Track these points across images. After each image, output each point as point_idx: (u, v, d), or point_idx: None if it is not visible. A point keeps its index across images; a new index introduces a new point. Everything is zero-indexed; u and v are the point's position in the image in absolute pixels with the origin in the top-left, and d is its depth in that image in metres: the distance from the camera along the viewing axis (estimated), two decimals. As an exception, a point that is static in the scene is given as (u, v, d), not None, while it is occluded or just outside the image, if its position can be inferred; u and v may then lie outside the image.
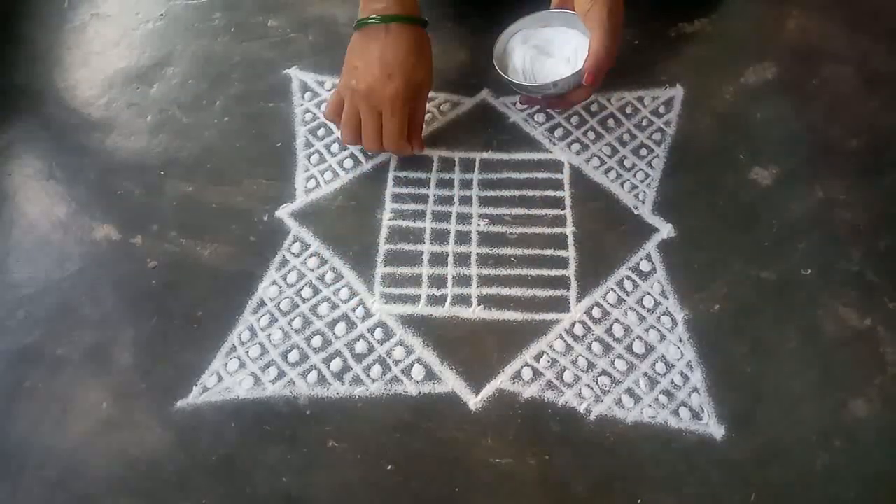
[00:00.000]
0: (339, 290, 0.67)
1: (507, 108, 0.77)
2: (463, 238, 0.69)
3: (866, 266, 0.66)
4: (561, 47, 0.69)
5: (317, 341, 0.64)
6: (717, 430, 0.58)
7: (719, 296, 0.65)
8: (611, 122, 0.76)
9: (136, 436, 0.60)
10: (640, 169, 0.73)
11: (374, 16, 0.65)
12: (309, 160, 0.75)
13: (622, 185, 0.72)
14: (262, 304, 0.66)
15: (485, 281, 0.66)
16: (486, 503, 0.56)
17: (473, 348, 0.63)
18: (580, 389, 0.61)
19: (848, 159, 0.73)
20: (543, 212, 0.70)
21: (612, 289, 0.66)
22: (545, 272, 0.67)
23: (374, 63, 0.64)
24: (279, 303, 0.66)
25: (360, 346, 0.63)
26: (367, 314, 0.65)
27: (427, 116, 0.77)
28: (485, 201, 0.71)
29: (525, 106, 0.76)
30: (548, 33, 0.70)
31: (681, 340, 0.63)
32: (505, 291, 0.66)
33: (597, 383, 0.61)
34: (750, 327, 0.63)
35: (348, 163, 0.74)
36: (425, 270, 0.67)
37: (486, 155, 0.74)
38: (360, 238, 0.69)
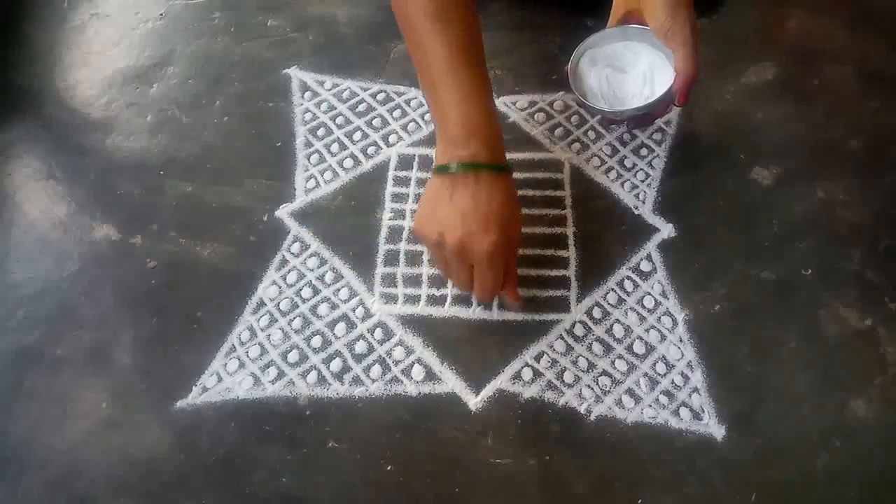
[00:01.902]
0: (338, 290, 0.67)
1: (507, 107, 0.77)
2: (463, 238, 0.69)
3: (866, 266, 0.66)
4: (633, 63, 0.69)
5: (317, 341, 0.64)
6: (717, 431, 0.58)
7: (719, 296, 0.65)
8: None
9: (136, 436, 0.60)
10: (641, 169, 0.73)
11: (462, 163, 0.57)
12: (309, 160, 0.75)
13: (622, 184, 0.72)
14: (261, 304, 0.66)
15: (485, 281, 0.66)
16: (485, 503, 0.56)
17: (473, 348, 0.63)
18: (580, 390, 0.61)
19: (848, 159, 0.73)
20: (544, 212, 0.70)
21: (612, 289, 0.66)
22: (545, 272, 0.67)
23: (467, 216, 0.56)
24: (279, 303, 0.66)
25: (360, 347, 0.63)
26: (367, 314, 0.65)
27: (427, 116, 0.77)
28: (485, 201, 0.71)
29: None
30: (617, 49, 0.69)
31: (681, 340, 0.63)
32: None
33: (597, 383, 0.61)
34: (750, 327, 0.63)
35: (348, 163, 0.74)
36: (425, 270, 0.67)
37: (486, 155, 0.74)
38: (360, 238, 0.69)
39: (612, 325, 0.64)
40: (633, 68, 0.68)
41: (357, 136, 0.76)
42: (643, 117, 0.70)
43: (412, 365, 0.62)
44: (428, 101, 0.62)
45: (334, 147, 0.76)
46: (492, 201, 0.57)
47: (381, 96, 0.79)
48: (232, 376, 0.62)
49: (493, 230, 0.56)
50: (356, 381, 0.62)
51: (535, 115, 0.77)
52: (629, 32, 0.69)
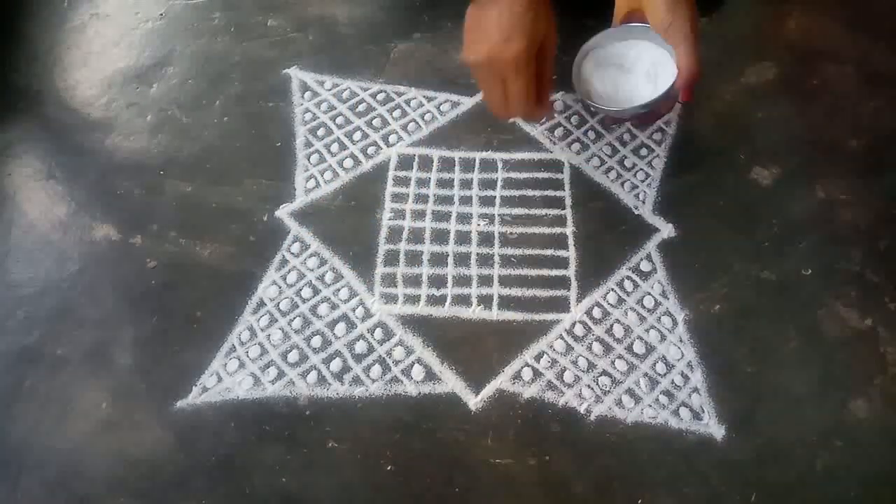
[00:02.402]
0: (338, 290, 0.67)
1: (507, 108, 0.77)
2: (463, 238, 0.69)
3: (866, 266, 0.66)
4: (636, 62, 0.68)
5: (316, 341, 0.64)
6: (717, 431, 0.58)
7: (719, 296, 0.65)
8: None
9: (136, 436, 0.60)
10: (641, 169, 0.73)
11: None
12: (309, 160, 0.75)
13: (622, 184, 0.72)
14: (261, 304, 0.66)
15: (485, 281, 0.66)
16: (485, 503, 0.56)
17: (473, 348, 0.63)
18: (580, 390, 0.61)
19: (848, 159, 0.73)
20: (544, 212, 0.70)
21: (612, 289, 0.66)
22: (545, 272, 0.67)
23: (491, 29, 0.59)
24: (279, 303, 0.66)
25: (360, 347, 0.63)
26: (367, 314, 0.65)
27: (427, 116, 0.77)
28: (485, 201, 0.71)
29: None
30: (620, 48, 0.69)
31: (681, 340, 0.63)
32: (505, 291, 0.66)
33: (597, 383, 0.61)
34: (750, 327, 0.63)
35: (348, 163, 0.74)
36: (425, 270, 0.67)
37: (485, 155, 0.74)
38: (360, 238, 0.69)
39: (612, 325, 0.64)
40: (637, 67, 0.68)
41: (357, 136, 0.76)
42: (647, 115, 0.70)
43: (412, 365, 0.62)
44: None
45: (334, 147, 0.76)
46: (513, 10, 0.58)
47: (381, 96, 0.79)
48: (232, 376, 0.62)
49: (515, 38, 0.58)
50: (356, 381, 0.62)
51: (535, 115, 0.77)
52: (632, 31, 0.68)
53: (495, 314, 0.65)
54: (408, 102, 0.78)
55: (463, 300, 0.66)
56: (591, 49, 0.70)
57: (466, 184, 0.72)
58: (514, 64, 0.59)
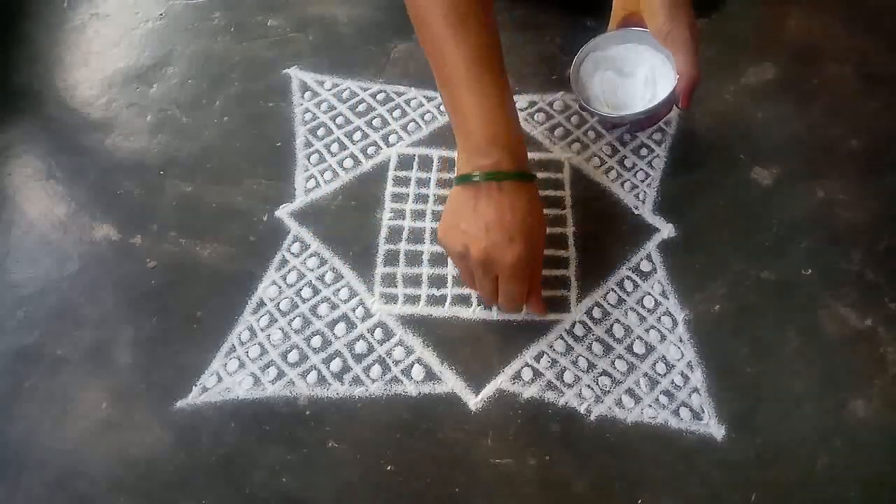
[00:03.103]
0: (338, 290, 0.67)
1: (507, 108, 0.77)
2: (463, 238, 0.69)
3: (866, 266, 0.66)
4: (634, 66, 0.69)
5: (316, 341, 0.64)
6: (717, 431, 0.58)
7: (719, 296, 0.65)
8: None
9: (136, 436, 0.60)
10: (641, 169, 0.73)
11: (483, 172, 0.56)
12: (309, 160, 0.75)
13: (622, 184, 0.72)
14: (261, 304, 0.66)
15: (485, 281, 0.66)
16: (485, 503, 0.56)
17: (473, 348, 0.63)
18: (580, 390, 0.61)
19: (848, 159, 0.73)
20: (544, 211, 0.70)
21: (612, 289, 0.66)
22: (545, 272, 0.66)
23: (491, 227, 0.55)
24: (279, 303, 0.66)
25: (360, 347, 0.63)
26: (367, 314, 0.65)
27: (427, 116, 0.77)
28: (485, 201, 0.71)
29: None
30: (618, 52, 0.69)
31: (681, 340, 0.63)
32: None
33: (597, 383, 0.61)
34: (750, 327, 0.63)
35: (348, 163, 0.74)
36: (425, 270, 0.67)
37: (486, 155, 0.74)
38: (360, 238, 0.69)
39: (612, 325, 0.64)
40: (635, 71, 0.68)
41: (357, 136, 0.76)
42: (645, 120, 0.70)
43: (412, 365, 0.62)
44: (447, 107, 0.60)
45: (334, 147, 0.76)
46: (515, 211, 0.56)
47: (381, 96, 0.79)
48: (232, 376, 0.62)
49: (517, 241, 0.55)
50: (356, 381, 0.62)
51: (535, 115, 0.77)
52: (630, 35, 0.69)
53: (495, 314, 0.65)
54: (408, 102, 0.78)
55: (463, 300, 0.65)
56: (588, 52, 0.70)
57: (466, 184, 0.72)
58: (512, 268, 0.56)
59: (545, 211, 0.70)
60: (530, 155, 0.74)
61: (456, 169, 0.59)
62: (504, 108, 0.57)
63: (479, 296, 0.63)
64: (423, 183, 0.73)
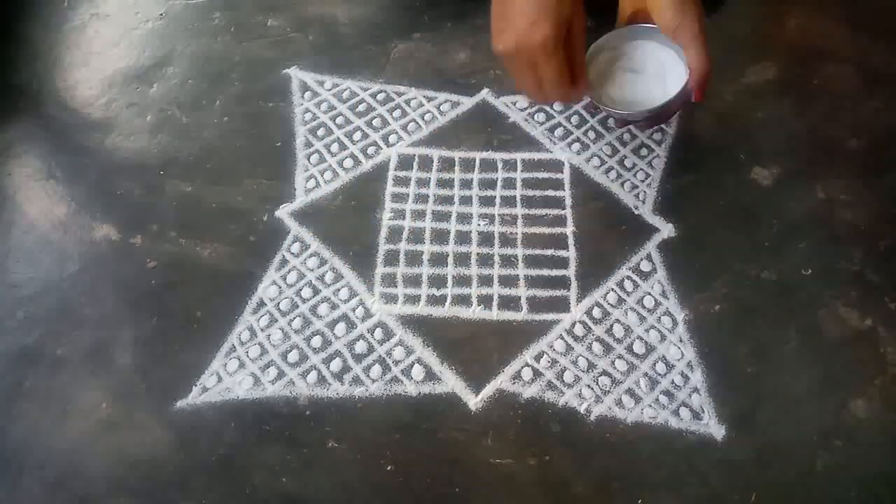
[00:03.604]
0: (338, 290, 0.67)
1: (507, 107, 0.77)
2: (463, 238, 0.69)
3: (866, 266, 0.66)
4: (644, 63, 0.68)
5: (316, 341, 0.64)
6: (717, 431, 0.58)
7: (719, 296, 0.65)
8: (611, 121, 0.76)
9: (136, 436, 0.60)
10: (641, 169, 0.73)
11: None
12: (309, 160, 0.75)
13: (622, 184, 0.72)
14: (261, 304, 0.66)
15: (485, 281, 0.66)
16: (485, 503, 0.56)
17: (473, 348, 0.63)
18: (580, 390, 0.61)
19: (848, 159, 0.73)
20: (544, 212, 0.70)
21: (612, 289, 0.66)
22: (545, 272, 0.67)
23: (516, 16, 0.57)
24: (279, 303, 0.66)
25: (360, 347, 0.63)
26: (367, 314, 0.65)
27: (427, 116, 0.77)
28: (485, 201, 0.71)
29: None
30: (627, 49, 0.69)
31: (681, 340, 0.63)
32: (505, 291, 0.66)
33: (597, 383, 0.61)
34: (750, 327, 0.63)
35: (348, 163, 0.74)
36: (425, 270, 0.67)
37: (485, 155, 0.74)
38: (360, 238, 0.69)
39: (612, 325, 0.64)
40: (645, 68, 0.68)
41: (357, 136, 0.76)
42: (658, 117, 0.70)
43: (412, 365, 0.62)
44: None
45: (334, 147, 0.76)
46: None
47: (381, 96, 0.79)
48: (232, 376, 0.62)
49: (541, 22, 0.56)
50: (356, 381, 0.62)
51: (535, 115, 0.77)
52: (638, 32, 0.68)
53: (495, 314, 0.65)
54: (408, 102, 0.78)
55: (463, 300, 0.66)
56: (597, 51, 0.69)
57: (466, 184, 0.72)
58: (543, 49, 0.57)
59: (545, 211, 0.70)
60: (530, 155, 0.74)
61: None
62: None
63: (528, 94, 0.63)
64: (423, 183, 0.73)
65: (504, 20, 0.59)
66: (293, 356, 0.63)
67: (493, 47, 0.61)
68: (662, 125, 0.75)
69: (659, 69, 0.67)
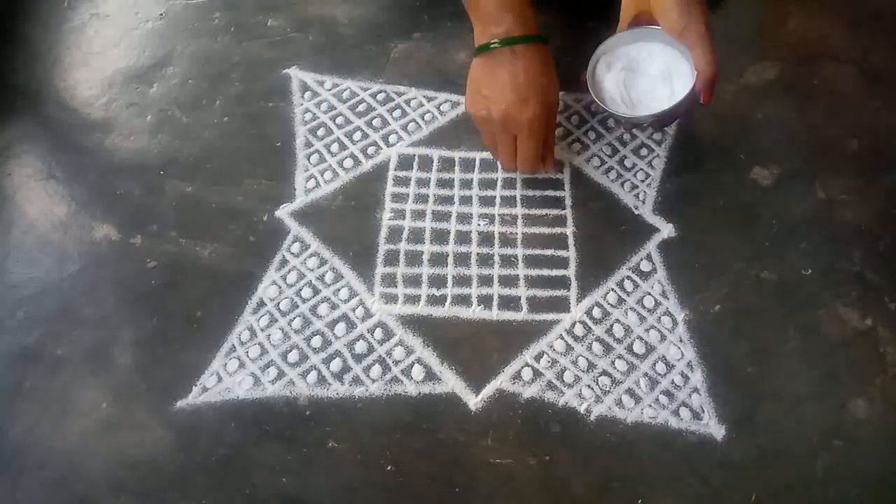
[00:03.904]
0: (338, 290, 0.67)
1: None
2: (463, 238, 0.69)
3: (866, 266, 0.66)
4: (649, 64, 0.68)
5: (316, 341, 0.64)
6: (717, 431, 0.58)
7: (719, 296, 0.65)
8: (611, 121, 0.76)
9: (136, 436, 0.60)
10: (641, 169, 0.73)
11: (497, 40, 0.62)
12: (309, 160, 0.75)
13: (622, 184, 0.72)
14: (261, 304, 0.66)
15: (485, 281, 0.66)
16: (485, 503, 0.56)
17: (473, 348, 0.63)
18: (580, 390, 0.61)
19: (848, 159, 0.73)
20: (544, 212, 0.70)
21: (612, 289, 0.66)
22: (545, 272, 0.67)
23: (507, 89, 0.62)
24: (279, 303, 0.66)
25: (360, 347, 0.63)
26: (367, 314, 0.65)
27: (427, 116, 0.77)
28: (485, 201, 0.71)
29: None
30: (632, 52, 0.69)
31: (681, 340, 0.63)
32: (505, 291, 0.66)
33: (597, 383, 0.61)
34: (750, 327, 0.63)
35: (348, 163, 0.74)
36: (425, 270, 0.67)
37: (486, 155, 0.74)
38: (360, 238, 0.69)
39: (612, 325, 0.64)
40: (650, 69, 0.68)
41: (357, 136, 0.76)
42: (666, 119, 0.70)
43: (412, 365, 0.62)
44: None
45: (334, 147, 0.76)
46: (529, 73, 0.62)
47: (381, 96, 0.79)
48: (232, 376, 0.62)
49: (532, 101, 0.62)
50: (356, 381, 0.62)
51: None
52: (642, 34, 0.68)
53: (495, 314, 0.65)
54: (408, 102, 0.78)
55: (463, 300, 0.66)
56: (602, 54, 0.69)
57: (466, 184, 0.72)
58: (529, 127, 0.63)
59: (545, 211, 0.70)
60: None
61: (474, 43, 0.64)
62: None
63: (501, 160, 0.69)
64: (423, 183, 0.73)
65: (490, 87, 0.63)
66: (293, 356, 0.63)
67: (471, 109, 0.66)
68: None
69: (664, 71, 0.67)
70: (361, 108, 0.78)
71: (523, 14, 0.62)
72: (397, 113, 0.78)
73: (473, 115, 0.66)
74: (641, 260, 0.67)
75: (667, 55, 0.67)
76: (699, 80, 0.63)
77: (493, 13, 0.62)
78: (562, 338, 0.63)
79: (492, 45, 0.62)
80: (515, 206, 0.71)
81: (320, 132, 0.77)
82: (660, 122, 0.71)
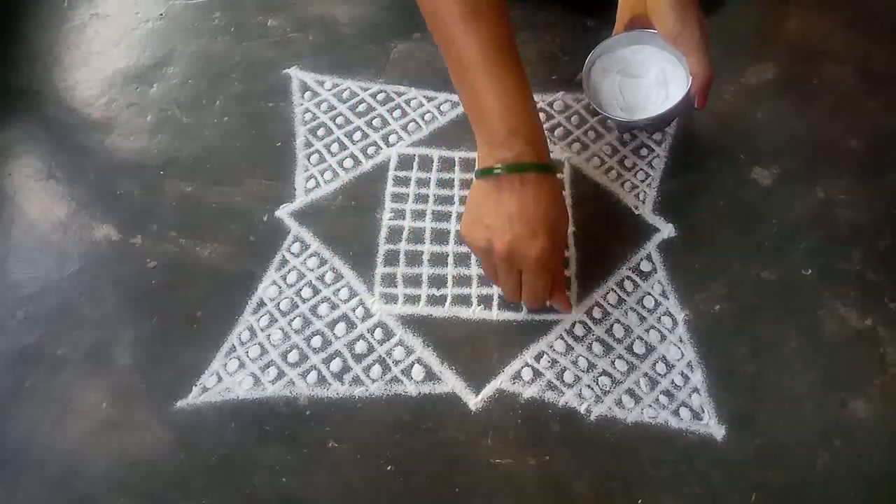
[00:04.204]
0: (338, 290, 0.67)
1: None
2: (463, 238, 0.69)
3: (866, 266, 0.66)
4: (645, 68, 0.68)
5: (316, 341, 0.64)
6: (717, 431, 0.58)
7: (720, 296, 0.65)
8: (611, 122, 0.76)
9: (136, 436, 0.60)
10: (641, 169, 0.73)
11: (501, 165, 0.55)
12: (309, 160, 0.75)
13: (623, 184, 0.72)
14: (261, 304, 0.66)
15: (485, 281, 0.66)
16: (485, 503, 0.56)
17: (473, 348, 0.63)
18: (580, 390, 0.61)
19: (848, 159, 0.73)
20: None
21: (612, 289, 0.66)
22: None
23: (514, 220, 0.55)
24: (279, 303, 0.66)
25: (360, 347, 0.63)
26: (367, 314, 0.65)
27: (427, 116, 0.77)
28: (485, 201, 0.71)
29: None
30: (626, 55, 0.69)
31: (681, 340, 0.63)
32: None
33: (597, 383, 0.61)
34: (750, 327, 0.63)
35: (348, 163, 0.74)
36: (425, 270, 0.67)
37: (486, 155, 0.74)
38: (360, 238, 0.69)
39: (612, 325, 0.64)
40: (646, 73, 0.68)
41: (357, 136, 0.76)
42: (660, 122, 0.70)
43: (412, 365, 0.62)
44: (464, 102, 0.60)
45: (334, 147, 0.76)
46: (539, 204, 0.55)
47: (381, 96, 0.79)
48: (232, 376, 0.62)
49: (541, 235, 0.55)
50: (356, 381, 0.62)
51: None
52: (637, 37, 0.68)
53: (495, 314, 0.65)
54: (408, 102, 0.78)
55: (463, 300, 0.65)
56: (598, 56, 0.69)
57: (466, 184, 0.72)
58: (537, 262, 0.56)
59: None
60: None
61: (477, 163, 0.59)
62: (524, 100, 0.57)
63: (502, 293, 0.62)
64: (423, 183, 0.73)
65: (495, 218, 0.56)
66: (293, 356, 0.63)
67: (468, 236, 0.58)
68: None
69: (659, 74, 0.67)
70: (361, 108, 0.78)
71: (536, 139, 0.56)
72: (397, 113, 0.78)
73: (470, 243, 0.59)
74: (641, 260, 0.67)
75: (662, 59, 0.68)
76: (694, 84, 0.63)
77: (502, 135, 0.56)
78: (562, 338, 0.63)
79: (499, 170, 0.55)
80: (515, 206, 0.71)
81: (320, 132, 0.77)
82: (654, 125, 0.71)
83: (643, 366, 0.62)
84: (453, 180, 0.73)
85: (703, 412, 0.59)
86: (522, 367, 0.62)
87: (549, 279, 0.58)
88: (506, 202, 0.56)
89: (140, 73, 0.83)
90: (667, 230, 0.69)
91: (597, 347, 0.63)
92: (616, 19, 0.70)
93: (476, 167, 0.59)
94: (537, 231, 0.55)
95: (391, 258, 0.68)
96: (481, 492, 0.56)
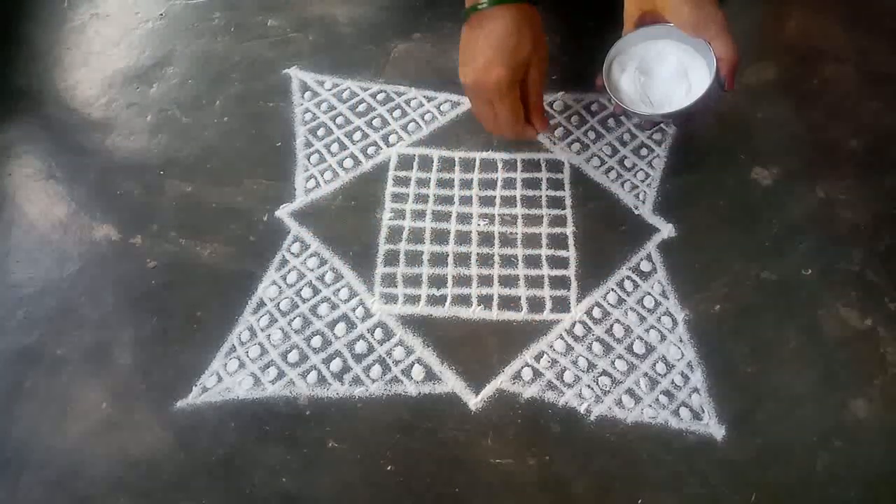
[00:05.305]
0: (338, 290, 0.67)
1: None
2: (463, 238, 0.69)
3: (866, 266, 0.66)
4: (663, 62, 0.68)
5: (316, 341, 0.64)
6: (717, 431, 0.58)
7: (720, 296, 0.65)
8: (611, 121, 0.76)
9: (136, 436, 0.60)
10: (641, 169, 0.73)
11: (476, 4, 0.60)
12: (309, 160, 0.75)
13: (622, 184, 0.72)
14: (261, 304, 0.66)
15: (485, 281, 0.66)
16: (485, 503, 0.56)
17: (473, 348, 0.63)
18: (580, 390, 0.61)
19: (848, 159, 0.73)
20: (544, 212, 0.70)
21: (612, 289, 0.66)
22: (545, 272, 0.67)
23: (477, 54, 0.61)
24: (279, 303, 0.66)
25: (360, 347, 0.63)
26: (367, 314, 0.65)
27: (427, 116, 0.77)
28: (485, 201, 0.71)
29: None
30: (643, 51, 0.69)
31: (681, 340, 0.63)
32: (505, 291, 0.66)
33: (597, 383, 0.61)
34: (750, 327, 0.63)
35: (348, 163, 0.74)
36: (425, 270, 0.67)
37: (485, 155, 0.74)
38: (360, 238, 0.69)
39: (612, 325, 0.64)
40: (665, 67, 0.68)
41: (357, 136, 0.76)
42: (692, 112, 0.69)
43: (412, 365, 0.62)
44: None
45: (334, 147, 0.76)
46: (497, 34, 0.59)
47: (381, 96, 0.79)
48: (232, 376, 0.62)
49: (497, 62, 0.59)
50: (356, 381, 0.62)
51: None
52: (651, 32, 0.68)
53: (495, 314, 0.65)
54: (408, 102, 0.78)
55: (463, 300, 0.66)
56: (614, 57, 0.69)
57: (466, 184, 0.72)
58: (497, 89, 0.61)
59: (545, 211, 0.70)
60: (530, 155, 0.74)
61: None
62: None
63: (485, 127, 0.67)
64: (423, 183, 0.73)
65: (468, 53, 0.62)
66: (293, 356, 0.63)
67: (462, 80, 0.64)
68: (662, 125, 0.75)
69: (678, 66, 0.67)
70: (361, 108, 0.78)
71: None
72: (397, 113, 0.78)
73: (462, 87, 0.64)
74: (641, 260, 0.67)
75: (679, 51, 0.67)
76: (722, 67, 0.63)
77: None
78: (562, 338, 0.63)
79: (473, 10, 0.60)
80: (515, 206, 0.71)
81: (320, 132, 0.77)
82: (683, 117, 0.70)
83: (643, 366, 0.62)
84: (453, 180, 0.73)
85: (703, 412, 0.59)
86: (522, 367, 0.62)
87: (515, 105, 0.63)
88: (474, 39, 0.61)
89: (140, 73, 0.83)
90: (667, 230, 0.69)
91: (597, 347, 0.63)
92: (624, 19, 0.69)
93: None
94: (493, 61, 0.60)
95: (391, 258, 0.68)
96: (481, 492, 0.56)
